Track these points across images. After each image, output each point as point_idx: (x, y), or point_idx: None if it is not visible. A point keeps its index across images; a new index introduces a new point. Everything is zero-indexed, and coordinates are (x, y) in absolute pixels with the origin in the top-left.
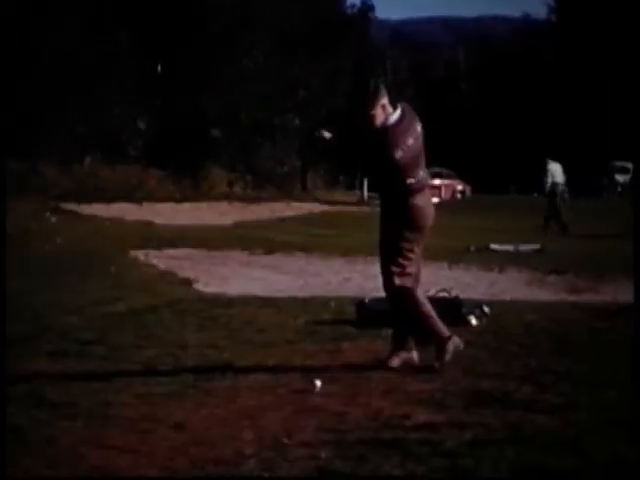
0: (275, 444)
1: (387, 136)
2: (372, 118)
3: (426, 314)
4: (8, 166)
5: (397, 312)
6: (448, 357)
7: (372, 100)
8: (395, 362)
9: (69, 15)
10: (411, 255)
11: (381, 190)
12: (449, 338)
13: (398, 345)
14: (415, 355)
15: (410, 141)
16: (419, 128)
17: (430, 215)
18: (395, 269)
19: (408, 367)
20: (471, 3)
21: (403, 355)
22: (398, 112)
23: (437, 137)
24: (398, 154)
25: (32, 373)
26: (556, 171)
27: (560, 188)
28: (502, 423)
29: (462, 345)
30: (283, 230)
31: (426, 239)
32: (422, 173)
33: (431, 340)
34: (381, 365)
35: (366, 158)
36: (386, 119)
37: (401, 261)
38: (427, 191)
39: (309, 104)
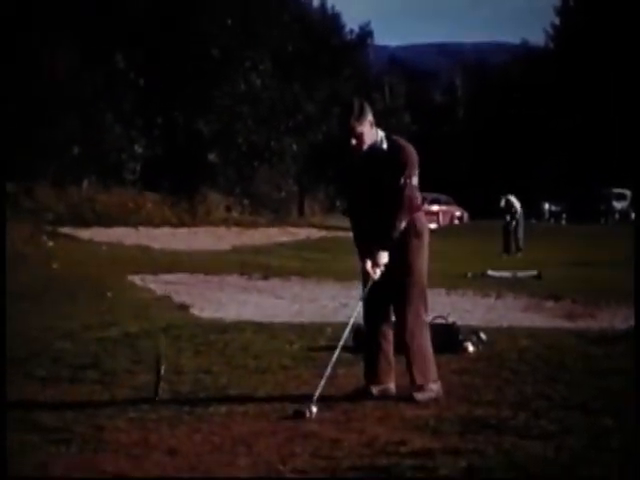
0: (270, 471)
1: (403, 150)
2: (362, 136)
3: (430, 343)
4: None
5: (400, 346)
6: (431, 396)
7: (360, 117)
8: (375, 390)
9: (67, 38)
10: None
11: (381, 216)
12: (437, 380)
13: (374, 378)
14: (393, 387)
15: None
16: None
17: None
18: (425, 304)
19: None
20: (469, 30)
21: (380, 387)
22: (381, 131)
23: (435, 163)
24: (414, 175)
25: (25, 397)
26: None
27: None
28: (496, 449)
29: (441, 393)
30: (280, 255)
31: None
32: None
33: (421, 373)
34: (355, 393)
35: (362, 181)
36: (375, 137)
37: (424, 284)
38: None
39: (306, 129)
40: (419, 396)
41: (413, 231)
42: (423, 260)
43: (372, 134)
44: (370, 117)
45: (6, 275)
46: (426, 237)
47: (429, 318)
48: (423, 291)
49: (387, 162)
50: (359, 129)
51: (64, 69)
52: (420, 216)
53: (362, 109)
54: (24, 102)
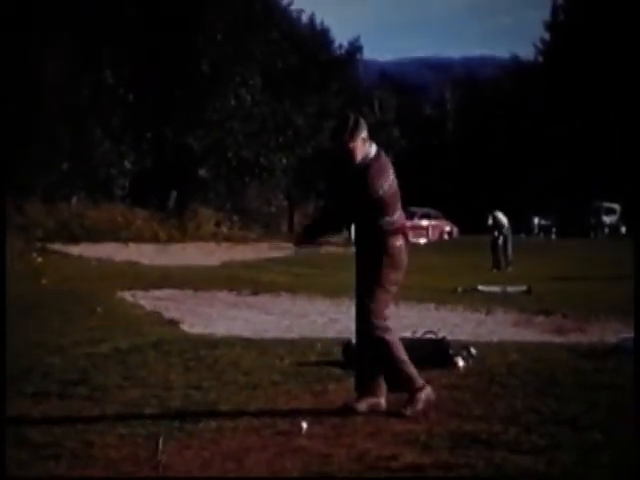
0: None
1: (370, 170)
2: (353, 151)
3: (400, 359)
4: None
5: (367, 354)
6: (420, 406)
7: (353, 133)
8: (362, 406)
9: (56, 53)
10: (389, 297)
11: (362, 229)
12: (422, 388)
13: (365, 391)
14: (383, 402)
15: (391, 176)
16: (392, 169)
17: (405, 257)
18: (375, 312)
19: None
20: (458, 44)
21: (370, 400)
22: (375, 147)
23: (424, 177)
24: (382, 188)
25: (14, 414)
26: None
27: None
28: (487, 464)
29: (434, 396)
30: (270, 270)
31: (401, 282)
32: (399, 213)
33: (403, 388)
34: (344, 407)
35: (348, 195)
36: (367, 153)
37: (382, 304)
38: (404, 233)
39: (296, 144)
40: (408, 411)
41: (383, 251)
42: (386, 281)
43: (364, 150)
44: (364, 134)
45: (6, 291)
46: (396, 260)
47: (419, 333)
48: (382, 306)
49: (359, 178)
50: (351, 145)
51: (53, 85)
52: (393, 240)
53: (356, 125)
54: (13, 118)
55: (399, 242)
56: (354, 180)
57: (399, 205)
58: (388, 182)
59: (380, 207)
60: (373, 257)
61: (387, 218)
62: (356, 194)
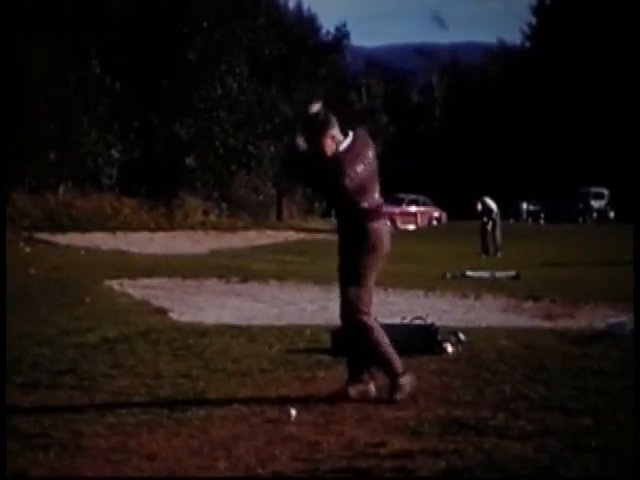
0: (249, 474)
1: (335, 163)
2: (322, 147)
3: (380, 342)
4: None
5: (354, 340)
6: (401, 395)
7: (321, 130)
8: (352, 392)
9: (42, 42)
10: (368, 281)
11: (337, 215)
12: (402, 374)
13: (354, 376)
14: (372, 388)
15: (359, 167)
16: (371, 154)
17: (386, 239)
18: (353, 294)
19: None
20: (445, 30)
21: (359, 387)
22: (348, 140)
23: (412, 164)
24: (346, 181)
25: (3, 404)
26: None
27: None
28: (476, 450)
29: (415, 382)
30: (258, 258)
31: (381, 267)
32: (376, 197)
33: (384, 372)
34: (334, 394)
35: (321, 184)
36: (336, 148)
37: (359, 287)
38: (382, 216)
39: (284, 131)
40: (397, 396)
41: (358, 235)
42: (363, 265)
43: (332, 147)
44: (332, 131)
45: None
46: (373, 243)
47: (407, 319)
48: (361, 291)
49: (328, 169)
50: (319, 141)
51: (39, 74)
52: (370, 223)
53: (325, 122)
54: None
55: (376, 225)
56: (324, 171)
57: (375, 189)
58: (356, 171)
59: (349, 196)
60: (349, 242)
61: (360, 204)
62: (327, 185)
